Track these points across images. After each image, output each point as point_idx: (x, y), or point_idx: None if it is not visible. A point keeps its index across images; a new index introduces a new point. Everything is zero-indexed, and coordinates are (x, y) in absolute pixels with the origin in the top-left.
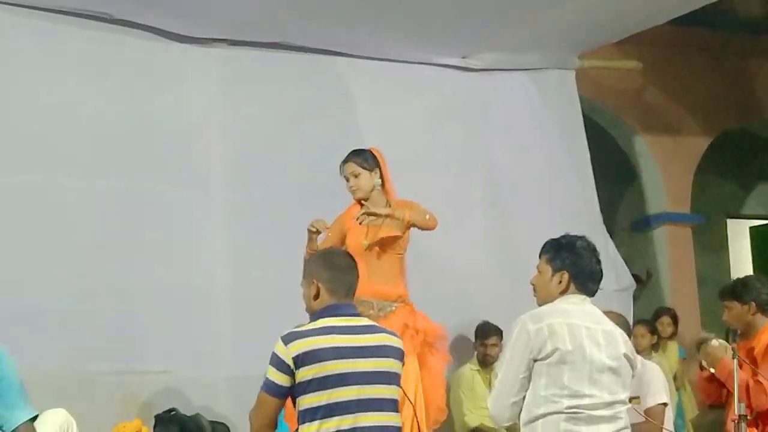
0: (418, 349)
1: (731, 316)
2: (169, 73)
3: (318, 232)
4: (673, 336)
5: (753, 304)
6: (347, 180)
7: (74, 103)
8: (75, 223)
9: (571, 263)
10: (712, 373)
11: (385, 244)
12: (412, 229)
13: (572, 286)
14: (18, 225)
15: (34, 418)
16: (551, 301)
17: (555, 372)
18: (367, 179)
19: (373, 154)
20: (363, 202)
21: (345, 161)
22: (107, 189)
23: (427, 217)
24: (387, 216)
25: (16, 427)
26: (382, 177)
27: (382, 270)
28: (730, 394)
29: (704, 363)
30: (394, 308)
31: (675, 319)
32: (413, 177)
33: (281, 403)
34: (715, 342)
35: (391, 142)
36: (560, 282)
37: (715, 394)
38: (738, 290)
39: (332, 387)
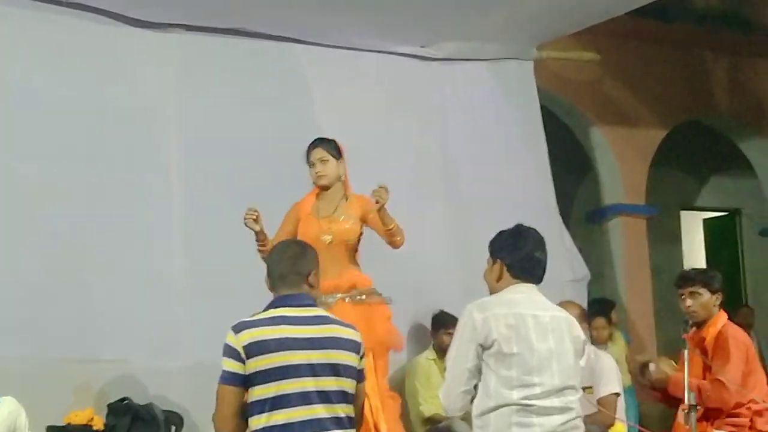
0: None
1: (698, 304)
2: (126, 58)
3: (256, 220)
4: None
5: (720, 293)
6: (314, 165)
7: (29, 88)
8: (29, 209)
9: (506, 253)
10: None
11: (343, 238)
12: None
13: (508, 275)
14: None
15: None
16: (496, 291)
17: (503, 364)
18: (334, 167)
19: (338, 146)
20: (322, 190)
21: (313, 146)
22: (63, 175)
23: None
24: (380, 211)
25: None
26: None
27: (340, 262)
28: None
29: (653, 384)
30: (347, 299)
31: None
32: (370, 165)
33: (240, 392)
34: (653, 366)
35: (349, 130)
36: (497, 272)
37: (671, 400)
38: (708, 278)
39: (280, 379)
